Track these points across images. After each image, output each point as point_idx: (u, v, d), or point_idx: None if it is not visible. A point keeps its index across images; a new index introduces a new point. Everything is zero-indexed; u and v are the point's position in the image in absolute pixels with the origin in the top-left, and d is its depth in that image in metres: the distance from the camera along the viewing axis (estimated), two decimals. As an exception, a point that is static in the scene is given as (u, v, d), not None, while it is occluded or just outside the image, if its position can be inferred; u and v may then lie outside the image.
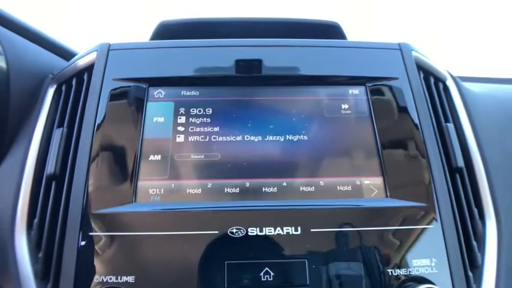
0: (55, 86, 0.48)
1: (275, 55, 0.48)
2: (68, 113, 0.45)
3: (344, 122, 0.44)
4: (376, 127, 0.44)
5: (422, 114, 0.45)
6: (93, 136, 0.42)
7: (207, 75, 0.46)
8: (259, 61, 0.47)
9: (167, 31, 0.59)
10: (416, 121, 0.44)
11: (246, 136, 0.43)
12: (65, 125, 0.44)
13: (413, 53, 0.49)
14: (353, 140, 0.43)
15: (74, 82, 0.47)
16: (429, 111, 0.46)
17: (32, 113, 0.46)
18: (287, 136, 0.43)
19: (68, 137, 0.43)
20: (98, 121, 0.42)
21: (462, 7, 1.05)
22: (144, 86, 0.45)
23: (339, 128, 0.44)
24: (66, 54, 0.59)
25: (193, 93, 0.45)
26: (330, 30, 0.60)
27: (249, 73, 0.47)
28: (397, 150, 0.42)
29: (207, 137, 0.43)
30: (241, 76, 0.46)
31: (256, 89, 0.46)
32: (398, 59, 0.48)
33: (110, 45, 0.48)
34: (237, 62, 0.47)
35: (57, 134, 0.43)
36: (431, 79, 0.50)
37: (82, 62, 0.48)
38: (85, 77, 0.47)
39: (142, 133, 0.42)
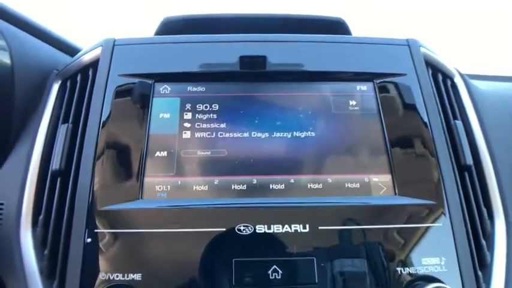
0: (60, 82, 0.48)
1: (280, 51, 0.47)
2: (73, 108, 0.45)
3: (352, 119, 0.44)
4: (385, 124, 0.43)
5: (430, 111, 0.44)
6: (98, 132, 0.41)
7: (212, 70, 0.46)
8: (264, 57, 0.46)
9: (171, 27, 0.58)
10: (425, 118, 0.43)
11: (253, 132, 0.42)
12: (70, 120, 0.44)
13: (422, 49, 0.49)
14: (361, 137, 0.43)
15: (78, 78, 0.47)
16: (438, 108, 0.45)
17: (37, 108, 0.46)
18: (294, 133, 0.43)
19: (73, 133, 0.43)
20: (104, 117, 0.42)
21: (470, 3, 1.04)
22: (150, 81, 0.45)
23: (347, 124, 0.43)
24: (71, 50, 0.58)
25: (199, 89, 0.45)
26: (335, 27, 0.60)
27: (254, 69, 0.46)
28: (405, 148, 0.42)
29: (214, 133, 0.42)
30: (246, 72, 0.46)
31: (263, 85, 0.46)
32: (407, 55, 0.48)
33: (114, 40, 0.47)
34: (241, 58, 0.46)
35: (63, 130, 0.43)
36: (439, 76, 0.49)
37: (87, 58, 0.47)
38: (90, 72, 0.46)
39: (148, 129, 0.42)
